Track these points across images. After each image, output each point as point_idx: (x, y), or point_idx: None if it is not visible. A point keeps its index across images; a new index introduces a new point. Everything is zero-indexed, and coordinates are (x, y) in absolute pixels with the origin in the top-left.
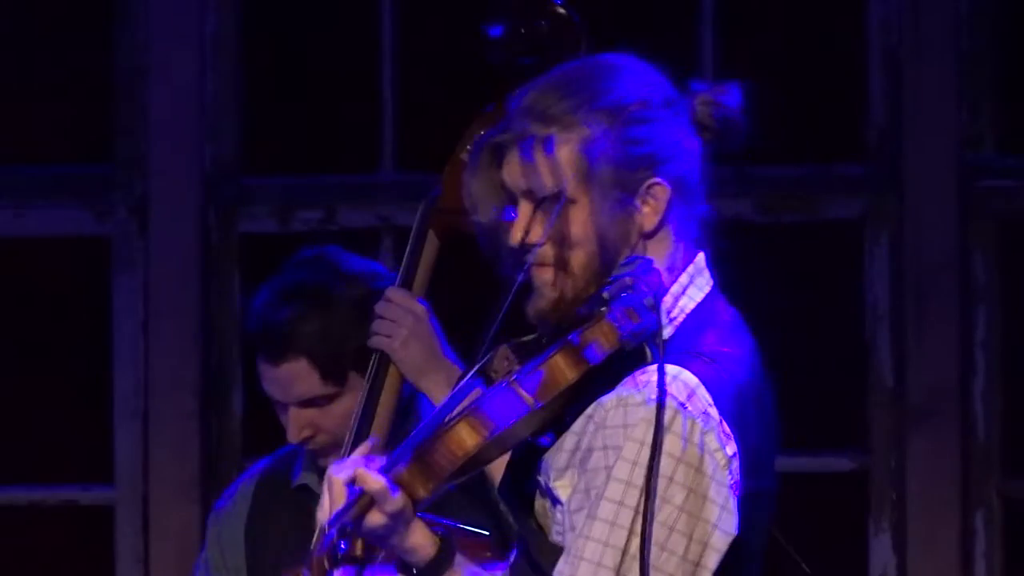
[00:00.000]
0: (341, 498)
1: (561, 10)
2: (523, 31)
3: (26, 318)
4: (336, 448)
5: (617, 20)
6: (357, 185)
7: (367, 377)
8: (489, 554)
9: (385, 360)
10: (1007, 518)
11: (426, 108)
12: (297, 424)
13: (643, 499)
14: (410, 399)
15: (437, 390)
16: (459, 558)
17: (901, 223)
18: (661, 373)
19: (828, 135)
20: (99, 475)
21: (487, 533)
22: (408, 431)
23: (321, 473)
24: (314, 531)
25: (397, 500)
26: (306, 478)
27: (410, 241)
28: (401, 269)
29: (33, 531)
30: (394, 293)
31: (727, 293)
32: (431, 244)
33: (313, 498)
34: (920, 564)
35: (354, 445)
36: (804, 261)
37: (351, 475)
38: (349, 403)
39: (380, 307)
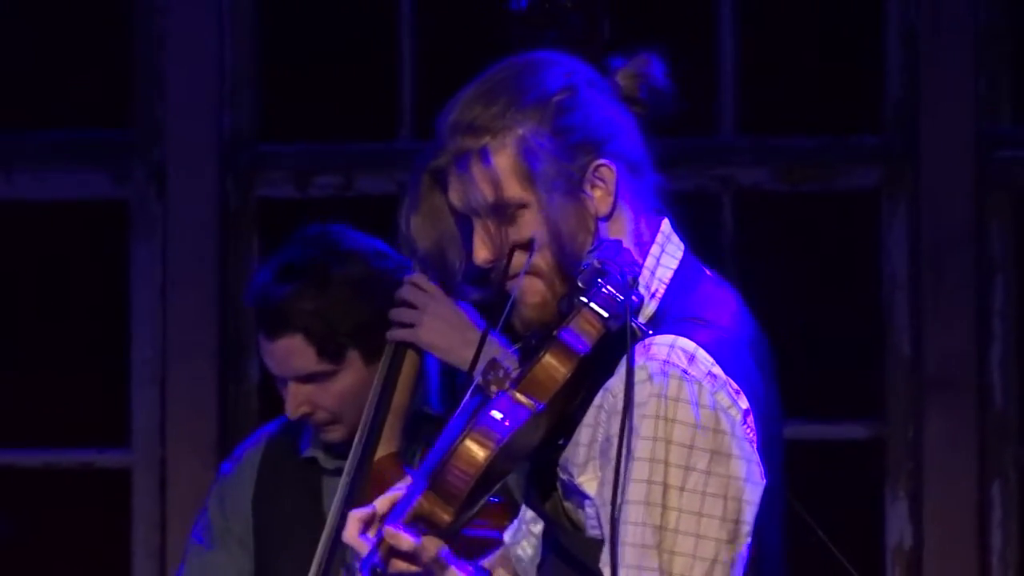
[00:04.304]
0: (363, 546)
1: None
2: (546, 5)
3: (44, 282)
4: (335, 424)
5: None
6: (375, 152)
7: (381, 367)
8: (507, 522)
9: (400, 351)
10: None
11: (445, 75)
12: (295, 400)
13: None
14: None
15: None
16: None
17: (918, 193)
18: (631, 342)
19: (846, 105)
20: (116, 439)
21: (503, 500)
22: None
23: (328, 447)
24: (322, 504)
25: (414, 544)
26: (315, 451)
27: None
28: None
29: (50, 494)
30: (415, 278)
31: (742, 261)
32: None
33: (321, 471)
34: (936, 533)
35: (368, 437)
36: (821, 231)
37: (370, 525)
38: (348, 381)
39: (402, 291)
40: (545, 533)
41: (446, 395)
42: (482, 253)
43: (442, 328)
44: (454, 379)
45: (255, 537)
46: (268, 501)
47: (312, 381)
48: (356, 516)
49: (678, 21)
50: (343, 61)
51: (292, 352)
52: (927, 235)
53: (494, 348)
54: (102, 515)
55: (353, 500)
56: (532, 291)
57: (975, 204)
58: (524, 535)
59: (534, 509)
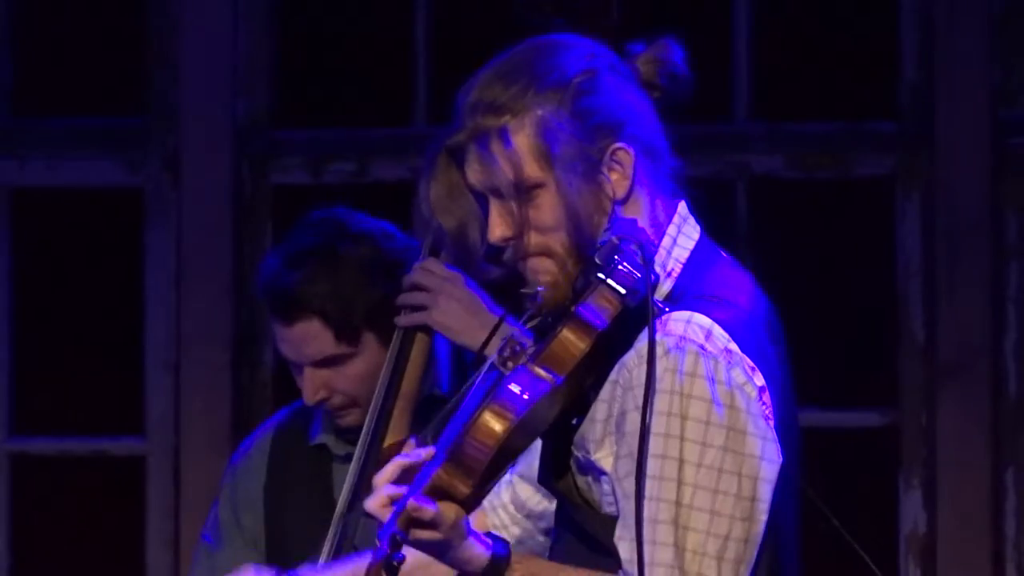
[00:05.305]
0: (384, 513)
1: None
2: None
3: (59, 269)
4: (352, 408)
5: None
6: (390, 138)
7: (390, 353)
8: None
9: (409, 336)
10: None
11: (459, 61)
12: (312, 385)
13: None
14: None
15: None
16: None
17: (933, 180)
18: (652, 318)
19: (861, 92)
20: (130, 427)
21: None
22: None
23: (339, 433)
24: (332, 491)
25: (434, 512)
26: (325, 438)
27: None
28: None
29: (64, 481)
30: (427, 263)
31: (756, 248)
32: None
33: (331, 457)
34: (950, 521)
35: (377, 423)
36: (836, 218)
37: (388, 496)
38: (364, 364)
39: (413, 276)
40: (558, 512)
41: (457, 378)
42: (497, 231)
43: (457, 310)
44: (463, 362)
45: (266, 526)
46: (279, 489)
47: (329, 365)
48: (384, 485)
49: (692, 6)
50: (357, 47)
51: (310, 337)
52: (942, 222)
53: (508, 330)
54: (116, 503)
55: (362, 487)
56: (545, 271)
57: (990, 191)
58: (500, 505)
59: (548, 488)
